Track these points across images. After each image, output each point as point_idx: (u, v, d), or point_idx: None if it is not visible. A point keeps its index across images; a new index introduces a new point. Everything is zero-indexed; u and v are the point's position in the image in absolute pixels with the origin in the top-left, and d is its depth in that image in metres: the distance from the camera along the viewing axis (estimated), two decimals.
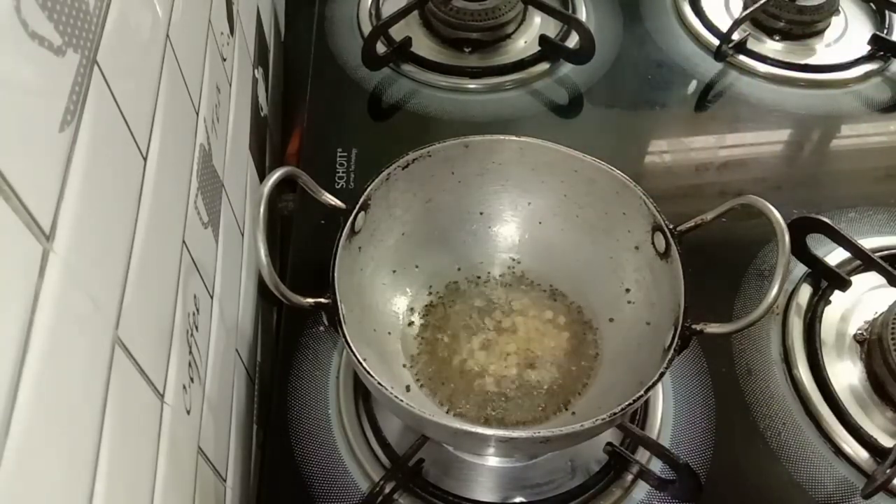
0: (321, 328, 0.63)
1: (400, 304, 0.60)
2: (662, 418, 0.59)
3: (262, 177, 0.72)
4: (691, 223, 0.53)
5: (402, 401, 0.45)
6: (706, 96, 0.83)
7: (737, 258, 0.68)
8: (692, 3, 0.90)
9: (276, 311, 0.74)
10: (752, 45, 0.85)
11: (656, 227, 0.54)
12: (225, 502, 0.52)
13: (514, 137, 0.59)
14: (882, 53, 0.85)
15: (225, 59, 0.61)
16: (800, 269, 0.66)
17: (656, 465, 0.56)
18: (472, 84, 0.81)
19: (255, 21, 0.76)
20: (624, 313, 0.58)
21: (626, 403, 0.45)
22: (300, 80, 0.83)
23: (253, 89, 0.72)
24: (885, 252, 0.66)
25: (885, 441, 0.57)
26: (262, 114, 0.76)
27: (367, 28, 0.84)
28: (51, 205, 0.29)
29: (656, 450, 0.53)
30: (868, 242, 0.66)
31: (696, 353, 0.62)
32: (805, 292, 0.65)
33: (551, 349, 0.58)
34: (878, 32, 0.85)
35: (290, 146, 0.84)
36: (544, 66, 0.82)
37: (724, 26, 0.84)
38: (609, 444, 0.55)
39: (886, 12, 0.90)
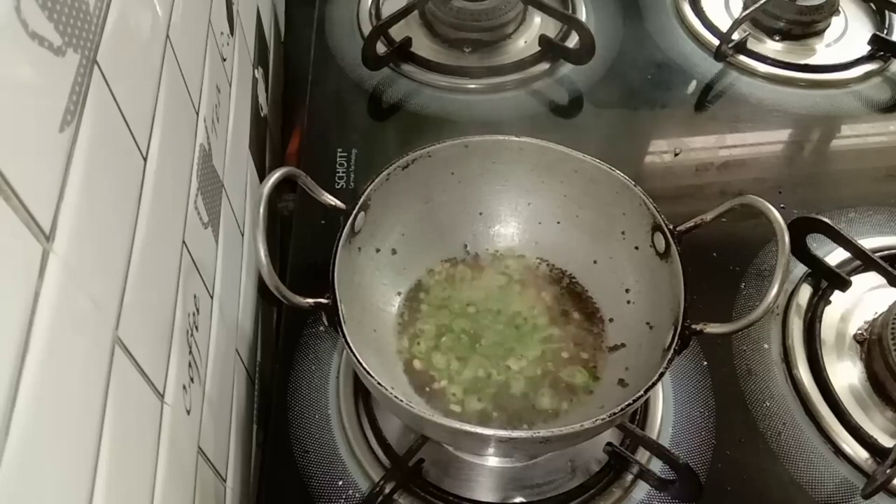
0: (321, 328, 0.63)
1: (400, 304, 0.60)
2: (662, 418, 0.59)
3: (262, 177, 0.72)
4: (691, 223, 0.53)
5: (401, 401, 0.45)
6: (706, 96, 0.83)
7: (737, 258, 0.68)
8: (692, 3, 0.90)
9: (276, 311, 0.74)
10: (752, 45, 0.85)
11: (656, 227, 0.54)
12: (225, 502, 0.52)
13: (514, 137, 0.59)
14: (882, 53, 0.85)
15: (225, 59, 0.61)
16: (800, 269, 0.66)
17: (656, 465, 0.56)
18: (472, 84, 0.81)
19: (255, 21, 0.76)
20: (624, 313, 0.58)
21: (626, 403, 0.45)
22: (300, 80, 0.82)
23: (253, 89, 0.72)
24: (885, 252, 0.66)
25: (885, 441, 0.57)
26: (262, 114, 0.76)
27: (367, 28, 0.84)
28: (51, 205, 0.29)
29: (656, 450, 0.53)
30: (868, 242, 0.66)
31: (696, 353, 0.62)
32: (805, 292, 0.65)
33: (553, 349, 0.58)
34: (878, 32, 0.85)
35: (290, 146, 0.84)
36: (544, 66, 0.82)
37: (724, 26, 0.84)
38: (609, 444, 0.55)
39: (886, 12, 0.90)
